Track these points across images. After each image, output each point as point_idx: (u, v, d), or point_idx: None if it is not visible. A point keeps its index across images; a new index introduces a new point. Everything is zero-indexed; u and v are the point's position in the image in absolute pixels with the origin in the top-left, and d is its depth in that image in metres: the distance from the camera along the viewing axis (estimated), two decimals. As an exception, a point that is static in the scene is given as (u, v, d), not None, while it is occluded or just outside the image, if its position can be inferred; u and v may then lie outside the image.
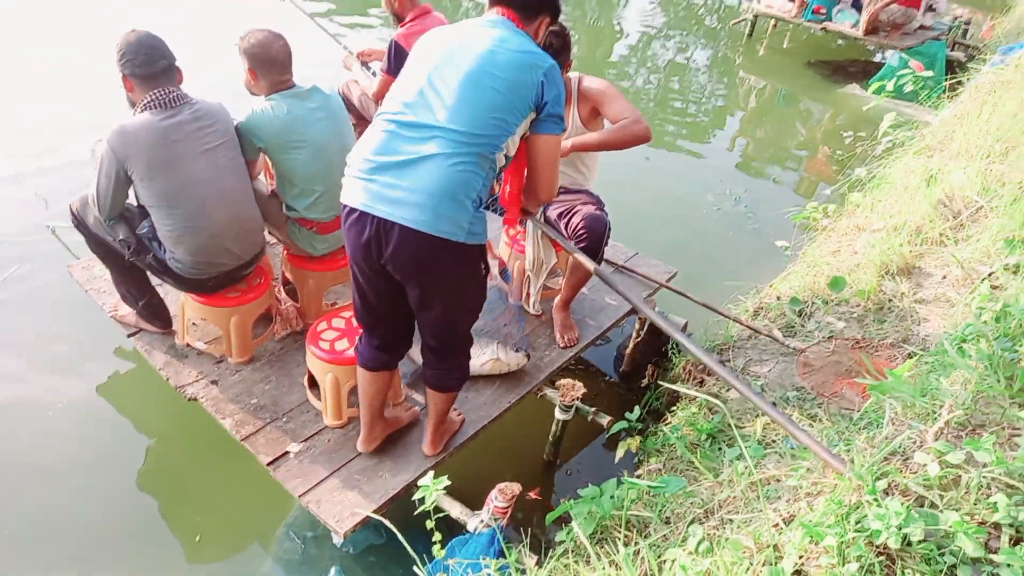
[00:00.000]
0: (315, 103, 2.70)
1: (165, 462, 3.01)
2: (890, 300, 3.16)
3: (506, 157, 2.00)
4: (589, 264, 2.48)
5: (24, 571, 2.55)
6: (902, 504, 1.27)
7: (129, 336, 2.97)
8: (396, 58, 3.70)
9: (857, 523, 1.33)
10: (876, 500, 1.34)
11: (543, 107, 1.95)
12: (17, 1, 7.19)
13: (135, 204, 2.64)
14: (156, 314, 2.94)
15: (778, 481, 1.93)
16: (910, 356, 2.80)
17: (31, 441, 2.98)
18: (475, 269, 2.03)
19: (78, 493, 2.80)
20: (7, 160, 4.88)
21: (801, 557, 1.42)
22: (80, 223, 2.73)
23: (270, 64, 2.64)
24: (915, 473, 1.47)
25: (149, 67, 2.41)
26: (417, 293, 2.04)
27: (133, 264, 2.71)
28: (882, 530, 1.20)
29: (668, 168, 6.14)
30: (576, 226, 2.81)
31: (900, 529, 1.22)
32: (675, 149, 6.47)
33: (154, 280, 2.91)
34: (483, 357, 2.80)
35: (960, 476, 1.47)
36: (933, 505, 1.43)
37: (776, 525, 1.53)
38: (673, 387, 2.69)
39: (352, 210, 1.93)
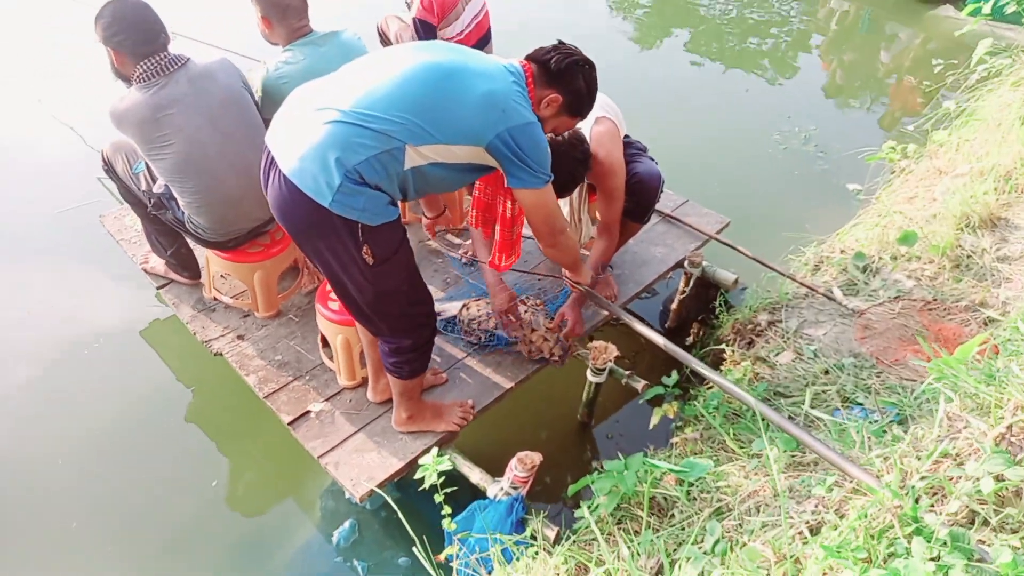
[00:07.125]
0: (333, 50, 2.53)
1: (196, 407, 3.04)
2: (968, 256, 2.83)
3: (428, 161, 1.84)
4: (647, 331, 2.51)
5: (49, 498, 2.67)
6: (944, 532, 1.08)
7: (159, 288, 2.96)
8: (425, 33, 3.49)
9: (889, 546, 1.15)
10: (916, 521, 1.14)
11: (502, 157, 1.88)
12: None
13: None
14: (184, 264, 2.91)
15: (815, 468, 1.75)
16: (986, 323, 2.51)
17: (68, 375, 3.09)
18: (346, 245, 1.82)
19: (104, 431, 2.88)
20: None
21: (825, 574, 1.25)
22: (110, 169, 2.68)
23: (284, 10, 2.48)
24: (968, 482, 1.27)
25: (148, 46, 2.22)
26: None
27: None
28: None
29: (730, 104, 5.70)
30: (628, 183, 2.62)
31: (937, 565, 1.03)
32: (743, 78, 6.00)
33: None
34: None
35: (1021, 488, 1.26)
36: (986, 523, 1.24)
37: (800, 533, 1.36)
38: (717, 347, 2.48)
39: (264, 146, 1.89)
